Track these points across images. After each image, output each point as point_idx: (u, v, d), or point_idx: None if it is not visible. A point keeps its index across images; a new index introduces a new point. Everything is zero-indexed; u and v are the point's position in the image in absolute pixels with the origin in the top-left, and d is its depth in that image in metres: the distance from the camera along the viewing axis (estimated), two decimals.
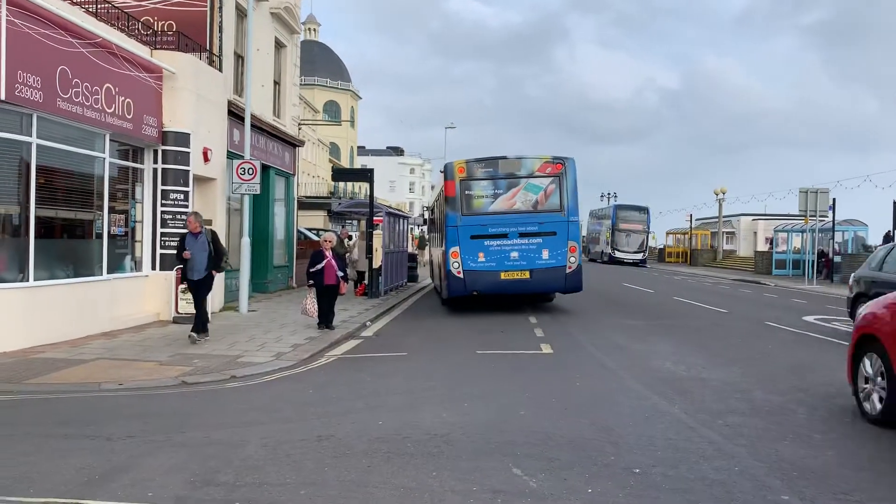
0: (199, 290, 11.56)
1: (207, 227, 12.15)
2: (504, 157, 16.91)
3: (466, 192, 16.66)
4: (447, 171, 17.17)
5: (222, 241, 16.35)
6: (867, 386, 7.10)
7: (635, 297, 22.16)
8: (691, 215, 58.95)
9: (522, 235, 16.23)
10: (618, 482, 5.14)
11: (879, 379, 6.86)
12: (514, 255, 16.18)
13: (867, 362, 7.14)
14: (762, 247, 51.07)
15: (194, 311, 11.67)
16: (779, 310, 18.96)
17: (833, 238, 36.81)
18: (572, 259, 16.34)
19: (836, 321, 16.31)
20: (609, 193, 72.32)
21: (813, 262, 32.34)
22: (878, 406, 6.84)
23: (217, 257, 11.59)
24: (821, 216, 30.80)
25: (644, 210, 51.62)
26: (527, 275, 16.17)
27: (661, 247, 65.37)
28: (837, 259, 35.13)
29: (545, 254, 16.21)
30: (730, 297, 23.44)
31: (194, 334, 11.33)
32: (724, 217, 57.15)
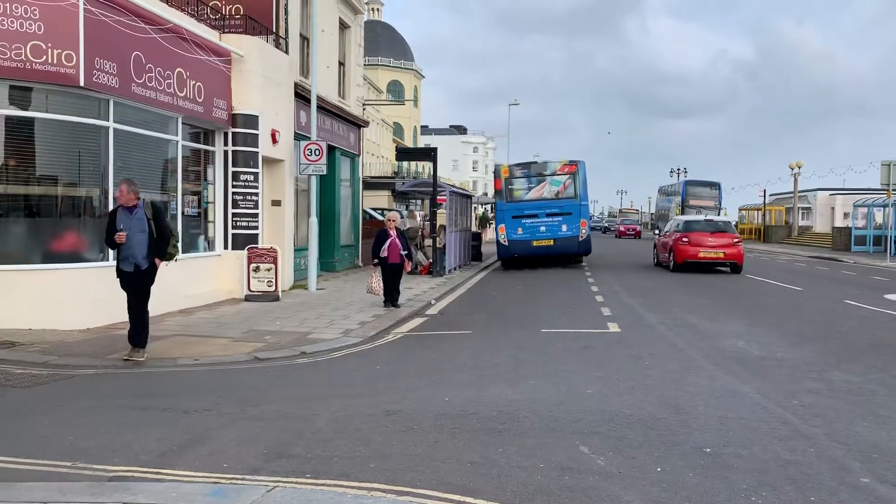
0: (136, 288, 8.38)
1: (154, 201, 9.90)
2: (535, 162, 24.46)
3: (509, 187, 23.56)
4: (496, 172, 24.78)
5: (290, 222, 16.77)
6: (653, 257, 25.49)
7: (706, 275, 21.64)
8: (765, 191, 57.06)
9: (548, 215, 22.94)
10: (688, 461, 5.06)
11: (653, 251, 25.31)
12: (543, 228, 22.93)
13: (652, 252, 25.55)
14: (840, 222, 49.09)
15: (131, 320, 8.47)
16: (858, 288, 18.23)
17: None
18: (583, 231, 23.05)
19: None
20: (679, 169, 70.74)
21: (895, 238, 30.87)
22: (653, 261, 25.04)
23: (161, 239, 8.39)
24: None
25: (715, 186, 50.17)
26: (551, 242, 22.91)
27: (734, 223, 63.54)
28: None
29: (564, 227, 22.87)
30: (805, 275, 22.65)
31: (135, 354, 8.36)
32: (800, 192, 55.08)
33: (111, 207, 10.90)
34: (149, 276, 8.48)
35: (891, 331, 11.22)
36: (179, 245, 9.10)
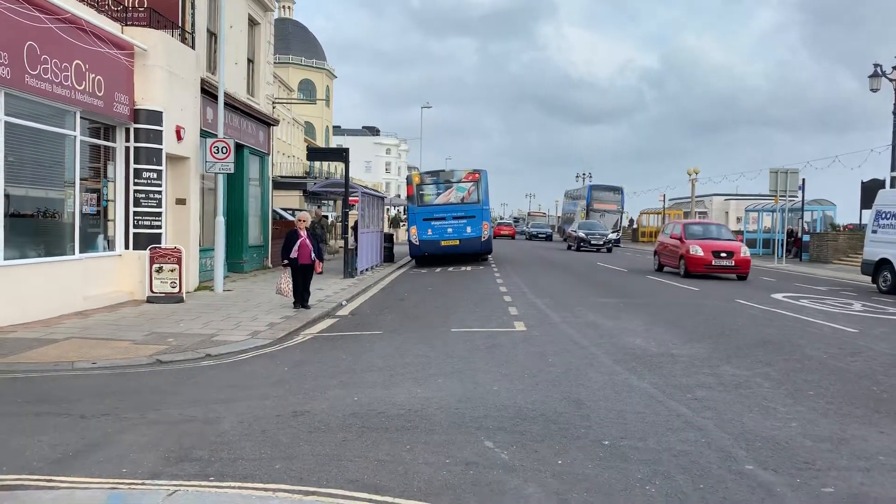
0: None
1: None
2: (443, 170, 27.11)
3: (420, 193, 25.91)
4: (408, 179, 27.16)
5: (195, 221, 16.34)
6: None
7: (608, 276, 22.40)
8: (664, 195, 59.58)
9: (455, 218, 25.55)
10: (587, 454, 5.27)
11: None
12: (450, 230, 25.53)
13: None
14: (734, 226, 51.71)
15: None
16: (748, 288, 19.28)
17: (802, 217, 37.39)
18: (485, 232, 25.83)
19: (803, 298, 16.64)
20: (584, 174, 72.75)
21: (782, 241, 32.85)
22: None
23: None
24: (790, 196, 31.27)
25: (618, 190, 52.00)
26: (457, 242, 25.55)
27: (634, 227, 65.94)
28: (806, 238, 35.74)
29: (468, 229, 25.54)
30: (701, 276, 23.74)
31: None
32: (697, 197, 57.68)
33: (2, 204, 10.39)
34: None
35: (777, 328, 11.95)
36: None
